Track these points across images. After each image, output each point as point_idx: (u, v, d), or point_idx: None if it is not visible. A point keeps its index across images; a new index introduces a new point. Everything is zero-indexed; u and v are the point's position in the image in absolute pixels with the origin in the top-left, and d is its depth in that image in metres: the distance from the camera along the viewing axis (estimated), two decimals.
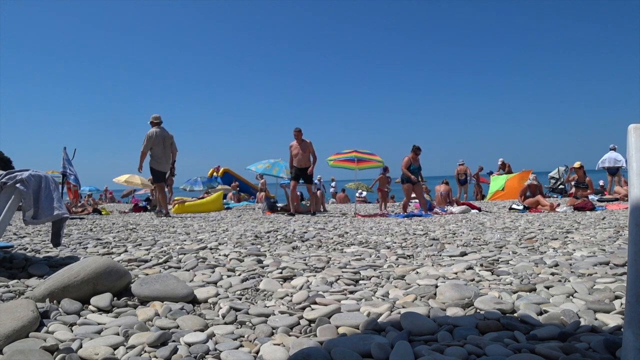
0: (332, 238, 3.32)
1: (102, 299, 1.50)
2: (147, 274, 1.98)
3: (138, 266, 2.22)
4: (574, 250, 2.52)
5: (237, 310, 1.42)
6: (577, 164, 8.67)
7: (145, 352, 1.09)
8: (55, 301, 1.47)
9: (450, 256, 2.41)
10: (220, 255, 2.52)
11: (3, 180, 2.05)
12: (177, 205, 9.36)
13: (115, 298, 1.54)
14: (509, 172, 14.57)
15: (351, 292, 1.65)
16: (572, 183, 8.56)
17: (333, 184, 18.39)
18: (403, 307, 1.43)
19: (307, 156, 7.86)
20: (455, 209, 8.32)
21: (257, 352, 1.09)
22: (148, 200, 11.87)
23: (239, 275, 1.97)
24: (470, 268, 2.04)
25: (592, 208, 7.32)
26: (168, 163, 7.09)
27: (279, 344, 1.12)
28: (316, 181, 17.93)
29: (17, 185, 2.06)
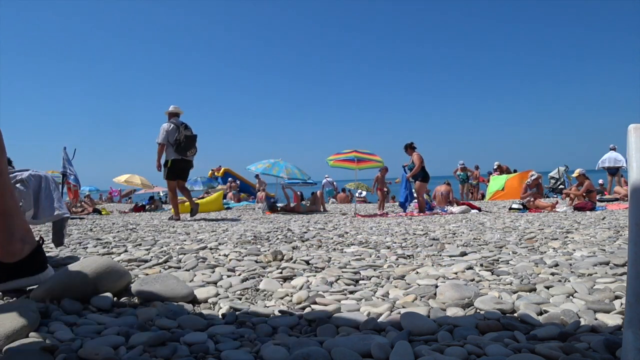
0: (332, 238, 3.31)
1: (102, 299, 1.49)
2: (147, 274, 1.98)
3: (138, 266, 2.22)
4: (574, 250, 2.52)
5: (237, 310, 1.42)
6: (577, 172, 8.63)
7: (145, 352, 1.09)
8: (55, 301, 1.47)
9: (450, 256, 2.41)
10: (220, 255, 2.52)
11: None
12: None
13: (115, 298, 1.54)
14: (508, 173, 14.56)
15: (351, 292, 1.65)
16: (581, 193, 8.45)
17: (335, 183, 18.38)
18: (403, 307, 1.43)
19: None
20: (455, 209, 8.32)
21: (257, 352, 1.08)
22: (151, 199, 12.02)
23: (239, 275, 1.97)
24: (470, 268, 2.04)
25: (592, 208, 7.32)
26: None
27: (279, 344, 1.12)
28: (327, 179, 17.82)
29: (17, 185, 2.06)
